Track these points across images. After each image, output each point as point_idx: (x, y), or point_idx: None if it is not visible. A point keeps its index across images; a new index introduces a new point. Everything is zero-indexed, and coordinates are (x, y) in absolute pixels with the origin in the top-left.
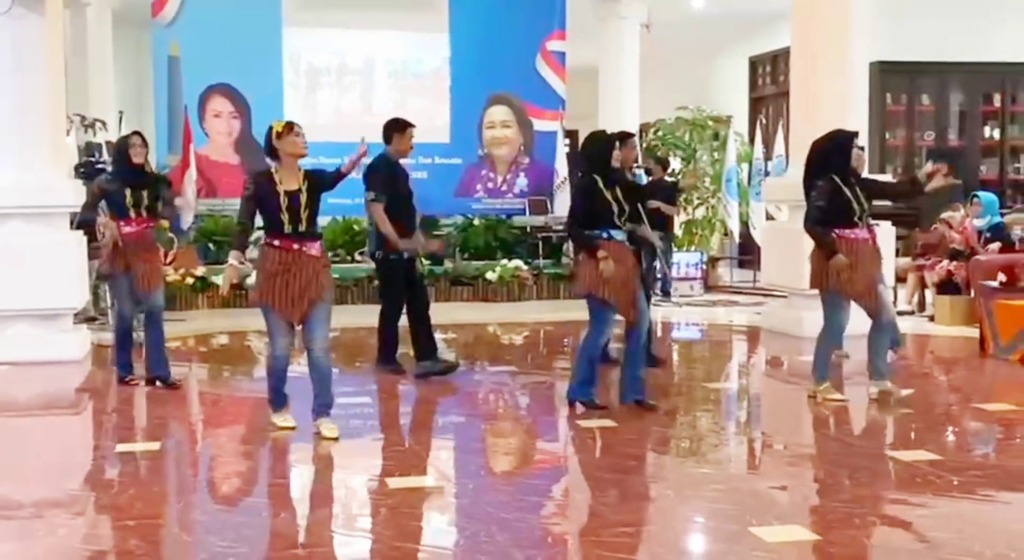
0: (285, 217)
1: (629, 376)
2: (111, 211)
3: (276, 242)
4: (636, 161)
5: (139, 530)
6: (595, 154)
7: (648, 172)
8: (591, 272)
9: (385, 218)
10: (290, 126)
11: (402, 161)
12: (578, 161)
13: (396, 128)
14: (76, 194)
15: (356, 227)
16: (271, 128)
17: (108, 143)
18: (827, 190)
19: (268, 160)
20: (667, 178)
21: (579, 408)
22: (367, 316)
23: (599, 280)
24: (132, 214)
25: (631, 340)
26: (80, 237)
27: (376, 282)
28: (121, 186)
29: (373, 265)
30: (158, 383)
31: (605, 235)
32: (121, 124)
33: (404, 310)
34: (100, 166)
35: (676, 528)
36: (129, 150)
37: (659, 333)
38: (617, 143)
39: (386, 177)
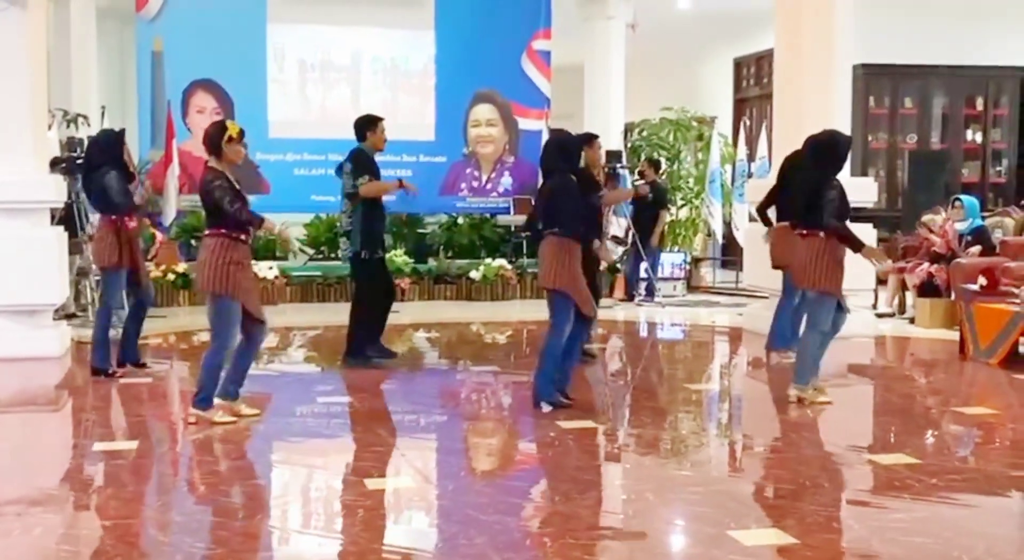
0: (243, 215)
1: (565, 369)
2: (117, 205)
3: (242, 237)
4: (600, 162)
5: (115, 530)
6: (571, 154)
7: (640, 174)
8: (569, 268)
9: (383, 182)
10: (242, 134)
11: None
12: (552, 161)
13: (368, 124)
14: (57, 189)
15: (339, 225)
16: (223, 128)
17: (90, 138)
18: (839, 188)
19: (210, 157)
20: (659, 180)
21: (545, 408)
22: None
23: (573, 277)
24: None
25: (581, 335)
26: (60, 232)
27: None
28: (125, 181)
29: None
30: (128, 365)
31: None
32: (103, 119)
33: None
34: (81, 161)
35: (655, 531)
36: (124, 147)
37: (644, 334)
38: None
39: (372, 166)
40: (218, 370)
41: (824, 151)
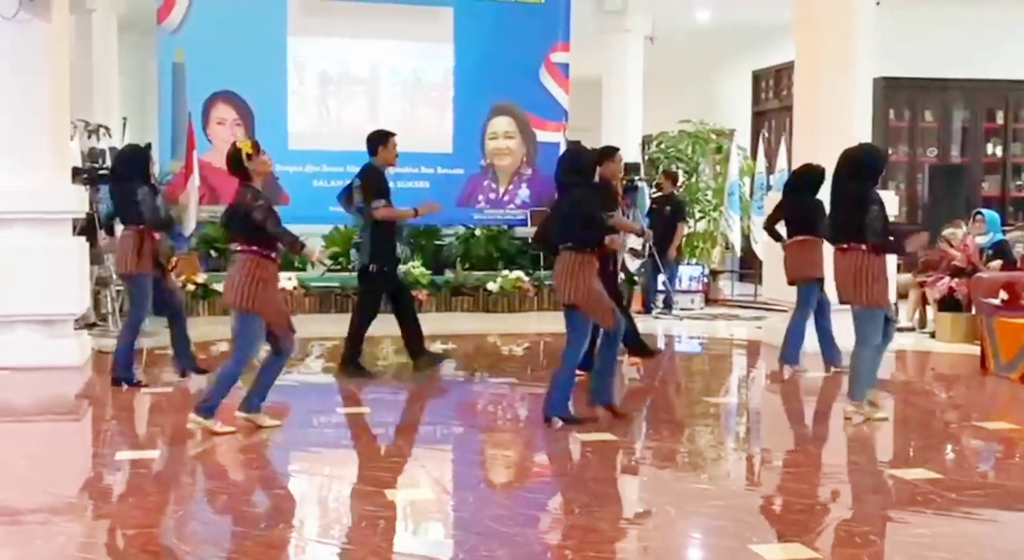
0: (286, 239)
1: (607, 384)
2: (142, 216)
3: (273, 255)
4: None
5: (137, 539)
6: (585, 168)
7: (658, 187)
8: (585, 282)
9: (400, 209)
10: (258, 147)
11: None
12: (568, 174)
13: (380, 140)
14: (79, 200)
15: (356, 237)
16: (237, 149)
17: (113, 149)
18: (880, 201)
19: (241, 179)
20: (676, 192)
21: (556, 423)
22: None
23: (590, 290)
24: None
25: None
26: (82, 242)
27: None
28: (154, 197)
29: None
30: (192, 374)
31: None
32: (125, 130)
33: (396, 316)
34: (103, 172)
35: (675, 544)
36: (150, 161)
37: (661, 347)
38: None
39: (382, 184)
40: (232, 382)
41: (862, 165)
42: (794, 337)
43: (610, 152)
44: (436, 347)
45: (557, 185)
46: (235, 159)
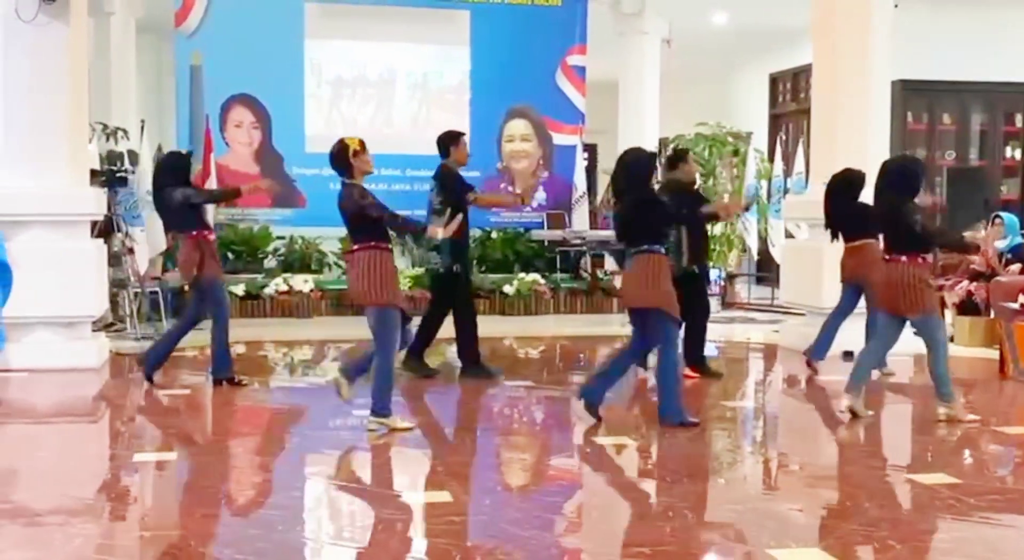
0: (409, 226)
1: (604, 385)
2: (197, 219)
3: (388, 246)
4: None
5: (155, 541)
6: (643, 174)
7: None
8: (660, 285)
9: (501, 195)
10: (363, 144)
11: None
12: (629, 177)
13: (452, 140)
14: (97, 202)
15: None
16: (345, 145)
17: (131, 152)
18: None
19: (341, 175)
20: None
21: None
22: None
23: (667, 292)
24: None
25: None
26: (100, 245)
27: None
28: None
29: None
30: (225, 384)
31: (663, 250)
32: (143, 133)
33: (431, 319)
34: (121, 175)
35: (694, 548)
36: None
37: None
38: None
39: (457, 182)
40: (390, 375)
41: (900, 177)
42: (828, 335)
43: (684, 155)
44: (452, 350)
45: (614, 192)
46: (341, 155)
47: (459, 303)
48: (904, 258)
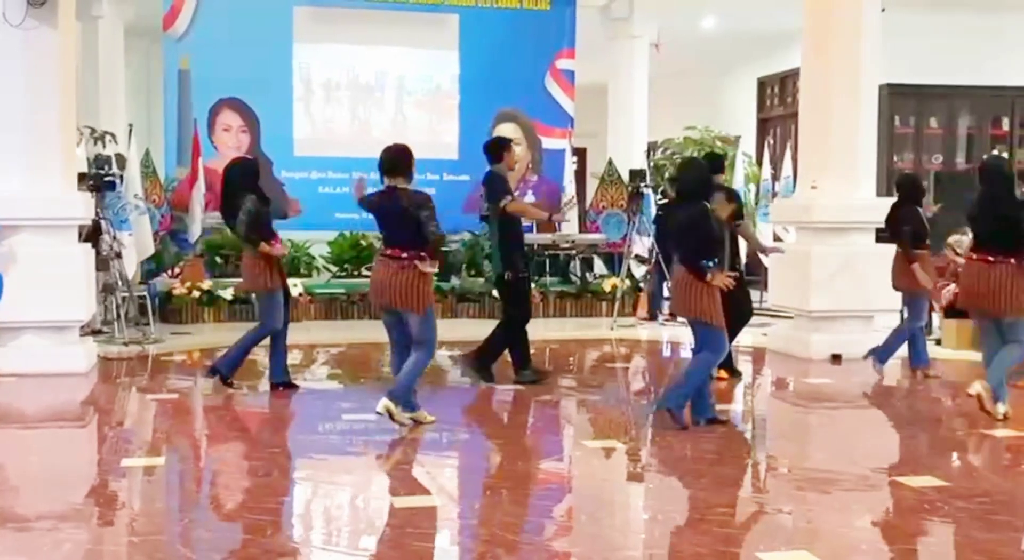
0: (440, 243)
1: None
2: (263, 231)
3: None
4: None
5: (144, 546)
6: (704, 182)
7: (663, 193)
8: (707, 294)
9: (531, 208)
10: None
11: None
12: (686, 187)
13: (505, 146)
14: (85, 206)
15: (363, 242)
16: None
17: (118, 156)
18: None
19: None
20: None
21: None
22: (370, 331)
23: (713, 300)
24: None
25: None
26: (88, 249)
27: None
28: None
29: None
30: (217, 379)
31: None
32: (131, 137)
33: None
34: (109, 178)
35: (684, 552)
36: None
37: (667, 353)
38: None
39: (507, 184)
40: (422, 371)
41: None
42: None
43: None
44: (441, 354)
45: (679, 195)
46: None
47: (513, 309)
48: (1013, 260)
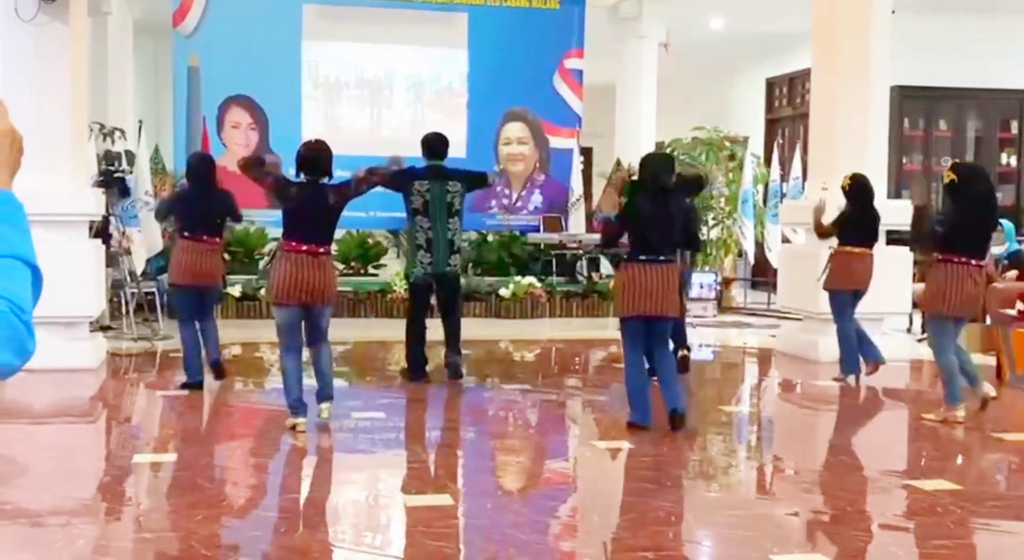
0: None
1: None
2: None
3: None
4: None
5: (157, 543)
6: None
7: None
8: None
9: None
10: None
11: None
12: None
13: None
14: (95, 202)
15: (370, 240)
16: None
17: (128, 152)
18: None
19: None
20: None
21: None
22: (378, 330)
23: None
24: None
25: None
26: (98, 245)
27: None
28: None
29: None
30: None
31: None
32: (140, 133)
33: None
34: (119, 175)
35: (696, 553)
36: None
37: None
38: None
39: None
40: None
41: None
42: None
43: None
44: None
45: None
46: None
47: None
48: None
